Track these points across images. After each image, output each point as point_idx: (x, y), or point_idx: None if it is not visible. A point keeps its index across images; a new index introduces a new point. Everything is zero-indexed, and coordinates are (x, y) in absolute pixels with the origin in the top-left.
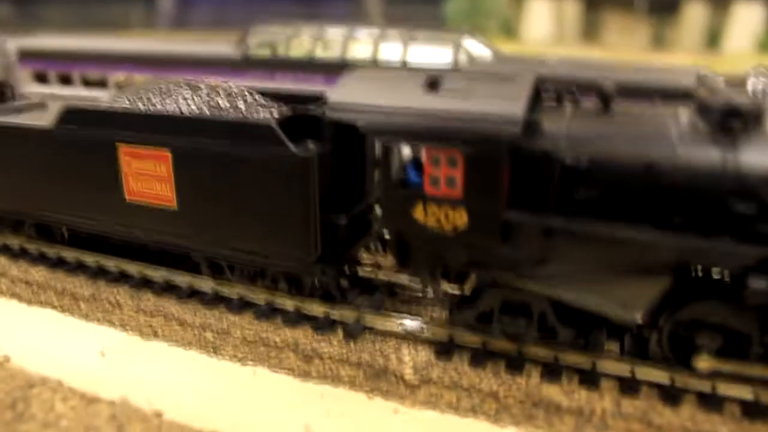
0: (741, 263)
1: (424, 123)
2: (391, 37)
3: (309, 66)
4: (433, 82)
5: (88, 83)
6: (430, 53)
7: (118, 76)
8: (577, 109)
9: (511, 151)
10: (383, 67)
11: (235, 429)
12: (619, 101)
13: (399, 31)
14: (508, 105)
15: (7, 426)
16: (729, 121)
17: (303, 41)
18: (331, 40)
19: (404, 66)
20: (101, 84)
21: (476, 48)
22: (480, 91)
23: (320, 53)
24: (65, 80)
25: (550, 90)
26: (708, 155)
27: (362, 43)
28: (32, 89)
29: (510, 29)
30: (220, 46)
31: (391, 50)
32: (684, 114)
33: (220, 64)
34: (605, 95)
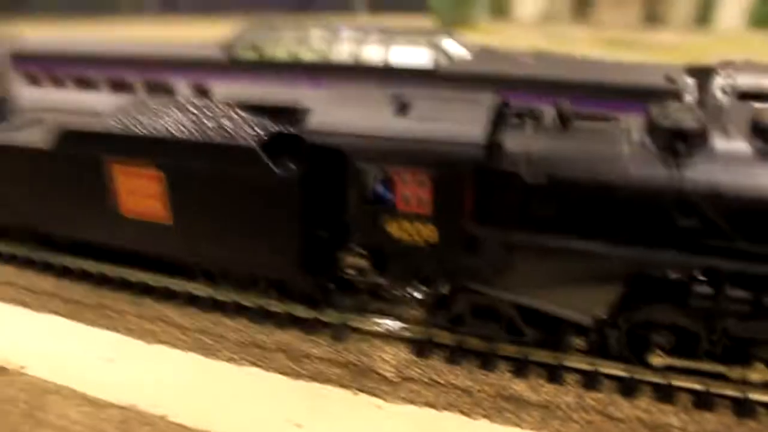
0: (687, 272)
1: (395, 147)
2: (372, 39)
3: (293, 68)
4: (404, 105)
5: (81, 83)
6: (410, 54)
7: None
8: (537, 128)
9: (474, 172)
10: (378, 71)
11: (230, 428)
12: (580, 116)
13: (380, 34)
14: (471, 129)
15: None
16: (675, 142)
17: (287, 43)
18: (314, 42)
19: (386, 66)
20: (94, 86)
21: (454, 48)
22: (446, 115)
23: (304, 54)
24: (59, 82)
25: (512, 110)
26: (655, 173)
27: (345, 45)
28: (25, 92)
29: (500, 8)
30: (206, 48)
31: (373, 52)
32: (635, 132)
33: (207, 66)
34: (564, 115)
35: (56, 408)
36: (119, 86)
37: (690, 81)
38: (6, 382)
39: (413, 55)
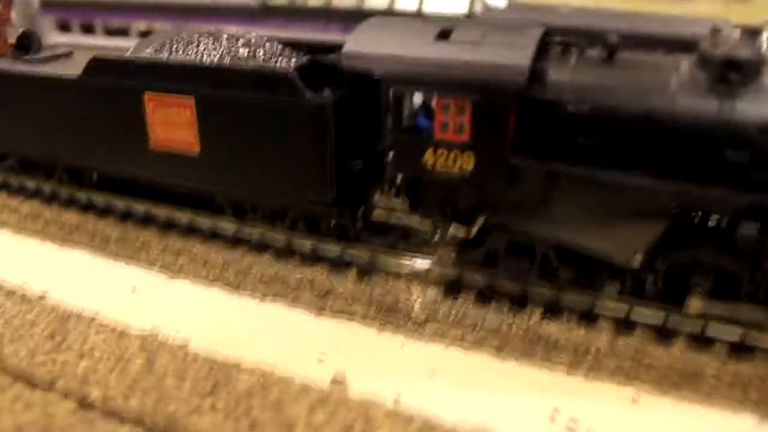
0: (733, 209)
1: (435, 72)
2: None
3: (326, 14)
4: (445, 32)
5: (110, 32)
6: (446, 2)
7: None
8: (582, 59)
9: (517, 99)
10: (398, 15)
11: (255, 358)
12: (625, 51)
13: None
14: (515, 55)
15: (47, 355)
16: (727, 72)
17: None
18: None
19: (420, 14)
20: (123, 33)
21: None
22: (489, 41)
23: (338, 1)
24: (88, 29)
25: (557, 40)
26: (705, 105)
27: None
28: (55, 38)
29: None
30: None
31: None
32: (685, 64)
33: (239, 13)
34: (610, 45)
35: (77, 332)
36: (149, 33)
37: (738, 34)
38: (27, 308)
39: (448, 3)
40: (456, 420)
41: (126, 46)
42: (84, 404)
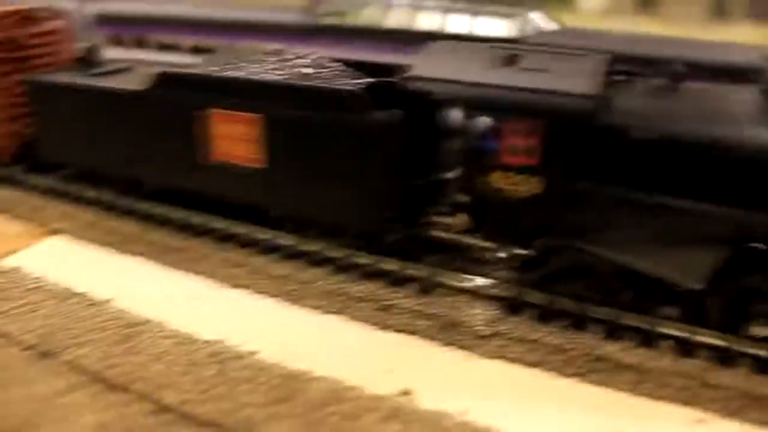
0: None
1: (505, 97)
2: (458, 9)
3: (377, 35)
4: (512, 57)
5: (162, 47)
6: (497, 26)
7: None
8: (647, 87)
9: (584, 125)
10: (463, 40)
11: (325, 371)
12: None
13: (465, 5)
14: (583, 82)
15: (121, 357)
16: None
17: (371, 10)
18: (399, 10)
19: (471, 36)
20: (175, 48)
21: (542, 22)
22: (556, 68)
23: (388, 22)
24: (140, 44)
25: (622, 68)
26: None
27: (430, 14)
28: (109, 53)
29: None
30: (288, 13)
31: (459, 22)
32: (750, 93)
33: (289, 31)
34: (676, 74)
35: (147, 337)
36: (201, 50)
37: None
38: (95, 312)
39: (499, 26)
40: None
41: (179, 62)
42: (161, 406)
